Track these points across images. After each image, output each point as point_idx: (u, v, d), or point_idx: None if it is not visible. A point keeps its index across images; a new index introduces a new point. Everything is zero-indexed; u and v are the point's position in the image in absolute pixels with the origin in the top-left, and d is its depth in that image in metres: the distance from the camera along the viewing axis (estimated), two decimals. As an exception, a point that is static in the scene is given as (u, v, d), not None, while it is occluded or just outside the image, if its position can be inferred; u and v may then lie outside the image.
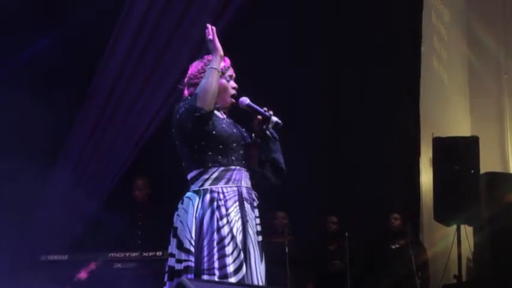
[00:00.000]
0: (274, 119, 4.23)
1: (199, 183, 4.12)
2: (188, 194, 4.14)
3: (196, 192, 4.11)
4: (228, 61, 4.31)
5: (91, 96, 7.67)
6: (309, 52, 9.04)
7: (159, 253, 6.74)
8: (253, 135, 4.28)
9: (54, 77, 7.53)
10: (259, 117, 4.24)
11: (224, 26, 7.35)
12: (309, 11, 8.99)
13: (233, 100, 4.29)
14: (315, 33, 9.04)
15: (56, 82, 7.52)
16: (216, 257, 3.99)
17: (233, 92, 4.29)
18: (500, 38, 11.98)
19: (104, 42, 7.61)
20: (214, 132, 4.11)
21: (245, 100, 4.27)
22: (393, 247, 8.52)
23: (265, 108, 4.24)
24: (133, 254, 6.89)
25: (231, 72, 4.30)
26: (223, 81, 4.24)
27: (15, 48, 7.44)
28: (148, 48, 7.62)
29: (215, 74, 4.09)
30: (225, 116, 4.30)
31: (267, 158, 4.26)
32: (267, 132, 4.24)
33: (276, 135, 4.26)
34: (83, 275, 6.72)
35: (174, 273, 4.06)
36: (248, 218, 4.17)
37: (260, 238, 4.25)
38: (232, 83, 4.30)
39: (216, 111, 4.22)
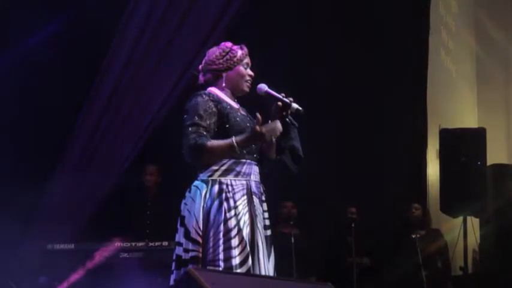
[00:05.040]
0: (295, 105, 4.19)
1: (208, 172, 4.11)
2: (196, 182, 4.12)
3: (205, 181, 4.09)
4: (245, 49, 4.31)
5: (100, 81, 7.68)
6: (319, 47, 9.02)
7: (165, 243, 6.74)
8: (269, 122, 4.25)
9: (63, 61, 7.53)
10: (279, 103, 4.21)
11: (231, 16, 7.41)
12: (316, 5, 8.98)
13: (249, 87, 4.28)
14: (323, 26, 9.02)
15: (64, 66, 7.52)
16: (221, 248, 3.97)
17: (249, 79, 4.29)
18: (508, 30, 11.95)
19: (114, 27, 7.63)
20: (227, 126, 4.11)
21: (263, 87, 4.24)
22: (413, 236, 8.48)
23: (283, 94, 4.23)
24: (140, 244, 6.90)
25: (248, 60, 4.30)
26: (241, 68, 4.25)
27: (24, 33, 7.46)
28: (158, 35, 7.63)
29: (228, 151, 4.03)
30: (239, 105, 4.30)
31: (286, 145, 4.25)
32: (287, 119, 4.23)
33: (294, 122, 4.25)
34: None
35: (181, 263, 4.05)
36: (257, 212, 4.16)
37: (269, 232, 4.24)
38: (249, 71, 4.30)
39: (231, 101, 4.23)
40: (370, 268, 8.49)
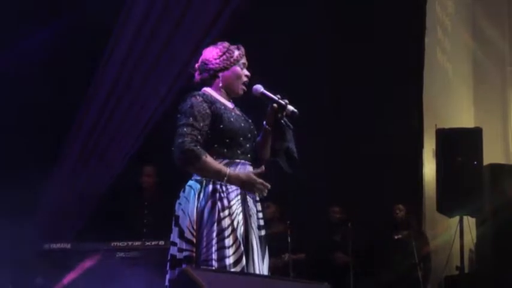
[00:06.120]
0: (291, 108, 4.18)
1: (202, 172, 4.12)
2: (190, 182, 4.11)
3: (199, 181, 4.08)
4: (242, 49, 4.30)
5: (98, 81, 7.69)
6: (312, 45, 9.01)
7: (161, 242, 6.74)
8: (264, 123, 4.25)
9: (61, 62, 7.53)
10: (275, 105, 4.21)
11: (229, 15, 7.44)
12: (312, 4, 8.99)
13: (245, 88, 4.28)
14: (318, 24, 9.01)
15: (62, 67, 7.53)
16: (214, 248, 3.96)
17: (245, 79, 4.29)
18: (505, 30, 11.98)
19: (112, 27, 7.63)
20: (221, 126, 4.09)
21: (259, 88, 4.24)
22: (396, 237, 8.51)
23: (279, 96, 4.22)
24: (136, 243, 6.89)
25: (244, 60, 4.29)
26: (238, 68, 4.25)
27: (23, 33, 7.46)
28: (156, 34, 7.64)
29: (217, 175, 4.03)
30: (234, 105, 4.29)
31: (281, 147, 4.24)
32: (282, 121, 4.22)
33: (289, 123, 4.24)
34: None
35: (176, 262, 4.05)
36: (251, 212, 4.15)
37: (263, 232, 4.23)
38: (246, 71, 4.29)
39: (225, 101, 4.23)
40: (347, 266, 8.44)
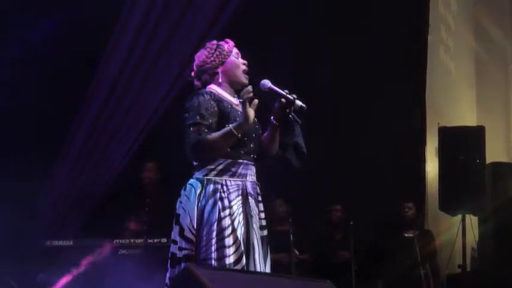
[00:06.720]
0: (299, 103, 4.20)
1: (204, 171, 4.11)
2: (191, 181, 4.13)
3: (200, 180, 4.09)
4: (231, 42, 4.35)
5: (99, 77, 7.69)
6: (312, 44, 8.99)
7: (163, 240, 6.74)
8: (271, 118, 4.25)
9: (59, 61, 7.53)
10: (283, 100, 4.20)
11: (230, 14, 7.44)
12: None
13: (247, 76, 4.28)
14: (317, 24, 9.00)
15: (61, 67, 7.52)
16: (214, 247, 3.98)
17: (244, 67, 4.29)
18: (507, 29, 11.95)
19: (111, 27, 7.63)
20: (227, 125, 4.09)
21: (267, 83, 4.24)
22: (406, 235, 8.49)
23: (287, 91, 4.22)
24: (138, 241, 6.90)
25: (236, 50, 4.34)
26: (232, 58, 4.28)
27: (23, 30, 7.46)
28: (155, 33, 7.64)
29: (228, 138, 4.03)
30: (239, 101, 4.29)
31: (290, 142, 4.25)
32: (290, 116, 4.22)
33: (297, 118, 4.24)
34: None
35: (175, 261, 4.07)
36: (252, 213, 4.16)
37: (265, 233, 4.24)
38: (242, 60, 4.31)
39: (231, 98, 4.23)
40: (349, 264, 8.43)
